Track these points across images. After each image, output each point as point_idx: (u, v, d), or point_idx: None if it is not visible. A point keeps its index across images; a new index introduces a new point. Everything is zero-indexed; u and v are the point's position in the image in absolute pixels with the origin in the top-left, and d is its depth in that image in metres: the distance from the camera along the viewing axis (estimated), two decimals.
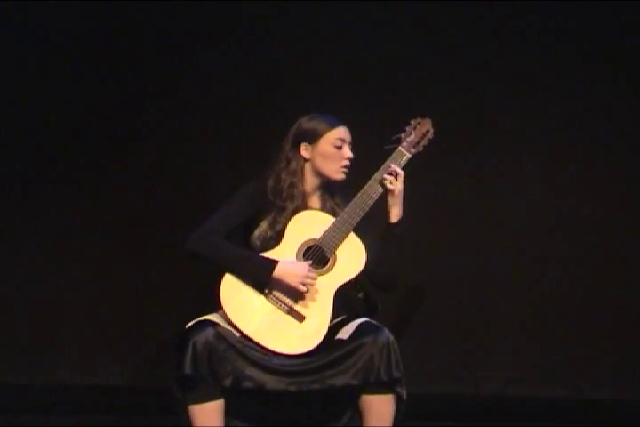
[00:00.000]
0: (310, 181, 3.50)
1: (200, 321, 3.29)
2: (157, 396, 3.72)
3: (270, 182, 3.46)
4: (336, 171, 3.46)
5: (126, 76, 4.86)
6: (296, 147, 3.47)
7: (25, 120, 4.87)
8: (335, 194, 3.53)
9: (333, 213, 3.46)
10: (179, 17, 4.83)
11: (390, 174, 3.40)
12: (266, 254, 3.35)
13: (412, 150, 3.46)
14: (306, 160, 3.47)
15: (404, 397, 3.28)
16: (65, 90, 4.87)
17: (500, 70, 4.73)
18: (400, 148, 3.45)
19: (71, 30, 4.86)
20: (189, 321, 3.32)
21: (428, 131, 3.49)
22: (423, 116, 3.52)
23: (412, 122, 3.51)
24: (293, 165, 3.46)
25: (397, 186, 3.40)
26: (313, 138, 3.45)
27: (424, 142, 3.48)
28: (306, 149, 3.46)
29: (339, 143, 3.44)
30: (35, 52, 4.87)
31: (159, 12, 4.82)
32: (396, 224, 3.43)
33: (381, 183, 3.40)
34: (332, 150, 3.44)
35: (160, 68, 4.85)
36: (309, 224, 3.40)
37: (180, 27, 4.84)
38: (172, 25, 4.84)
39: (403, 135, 3.47)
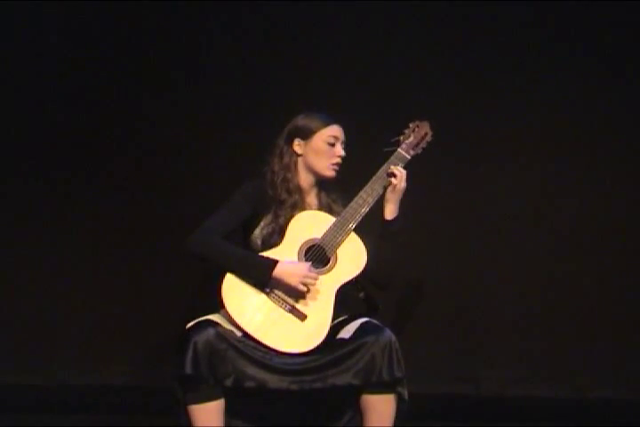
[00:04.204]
0: (305, 178, 3.54)
1: (201, 321, 3.30)
2: (157, 396, 3.72)
3: (267, 177, 3.51)
4: (326, 167, 3.50)
5: (125, 76, 4.85)
6: (290, 142, 3.52)
7: (24, 121, 4.87)
8: (331, 191, 3.57)
9: (330, 210, 3.50)
10: (178, 17, 4.83)
11: (394, 173, 3.44)
12: (266, 254, 3.36)
13: (411, 152, 3.51)
14: (298, 155, 3.52)
15: (406, 397, 3.30)
16: (64, 90, 4.87)
17: (499, 71, 4.73)
18: (399, 149, 3.49)
19: (71, 31, 4.85)
20: (189, 321, 3.33)
21: (426, 133, 3.54)
22: (422, 119, 3.55)
23: (411, 124, 3.55)
24: (286, 159, 3.51)
25: (400, 183, 3.43)
26: (307, 134, 3.50)
27: (423, 145, 3.53)
28: (299, 145, 3.51)
29: (332, 140, 3.49)
30: (35, 52, 4.86)
31: (158, 12, 4.82)
32: (392, 222, 3.47)
33: (387, 175, 3.44)
34: (324, 147, 3.49)
35: (160, 68, 4.85)
36: (310, 224, 3.42)
37: (179, 27, 4.84)
38: (171, 25, 4.84)
39: (402, 137, 3.52)
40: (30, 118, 4.87)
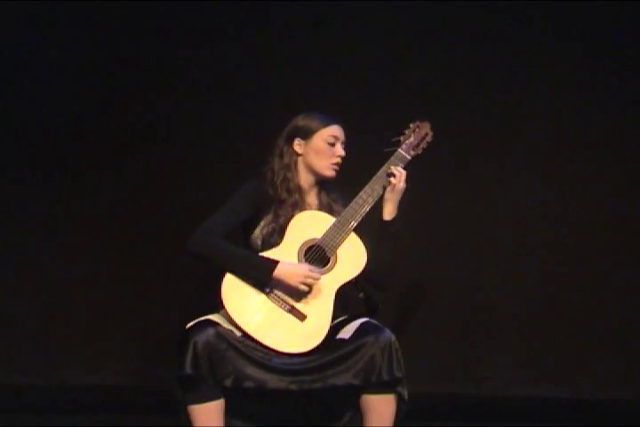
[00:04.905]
0: (305, 177, 3.53)
1: (201, 321, 3.29)
2: (157, 396, 3.71)
3: (267, 177, 3.51)
4: (326, 167, 3.50)
5: (126, 76, 4.86)
6: (290, 142, 3.52)
7: (25, 120, 4.87)
8: (331, 191, 3.57)
9: (330, 209, 3.50)
10: (177, 17, 4.83)
11: (393, 173, 3.45)
12: (266, 254, 3.36)
13: (412, 153, 3.51)
14: (298, 155, 3.52)
15: (406, 397, 3.29)
16: (65, 90, 4.87)
17: (499, 71, 4.73)
18: (400, 150, 3.49)
19: (71, 31, 4.86)
20: (189, 321, 3.32)
21: (427, 134, 3.54)
22: (422, 120, 3.56)
23: (412, 125, 3.56)
24: (287, 159, 3.51)
25: (399, 183, 3.44)
26: (307, 134, 3.50)
27: (423, 145, 3.53)
28: (299, 145, 3.51)
29: (332, 140, 3.49)
30: (35, 52, 4.87)
31: (158, 12, 4.82)
32: (390, 222, 3.47)
33: (387, 175, 3.44)
34: (324, 147, 3.49)
35: (160, 68, 4.85)
36: (310, 224, 3.41)
37: (179, 27, 4.84)
38: (171, 25, 4.85)
39: (402, 138, 3.52)
40: (31, 118, 4.87)
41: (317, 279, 3.33)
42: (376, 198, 3.43)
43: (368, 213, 3.41)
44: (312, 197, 3.56)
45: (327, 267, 3.37)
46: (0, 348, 4.80)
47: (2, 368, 4.79)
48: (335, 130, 3.51)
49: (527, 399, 4.64)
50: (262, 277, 3.31)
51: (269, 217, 3.45)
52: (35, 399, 4.64)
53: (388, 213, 3.46)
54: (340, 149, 3.51)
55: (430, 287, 4.71)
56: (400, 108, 4.51)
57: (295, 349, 3.28)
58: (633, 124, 4.70)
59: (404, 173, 3.45)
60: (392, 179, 3.44)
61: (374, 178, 3.44)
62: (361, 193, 3.43)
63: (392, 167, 3.46)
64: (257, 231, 3.46)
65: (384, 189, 3.44)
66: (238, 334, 3.28)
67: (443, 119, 3.72)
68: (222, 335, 3.22)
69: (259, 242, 3.45)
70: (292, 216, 3.43)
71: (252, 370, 3.21)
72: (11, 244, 4.87)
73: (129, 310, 4.80)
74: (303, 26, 4.79)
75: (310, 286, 3.33)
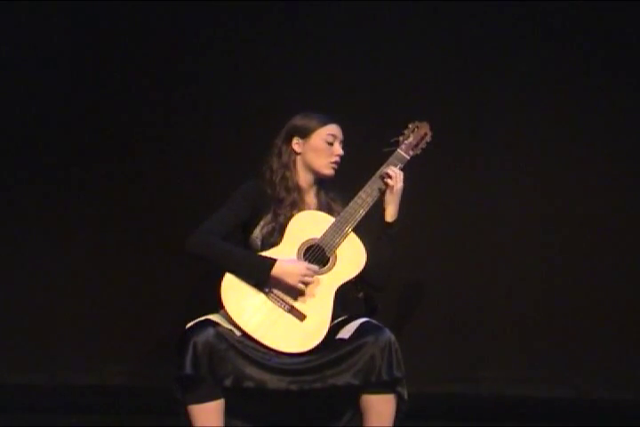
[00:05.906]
0: (303, 176, 3.54)
1: (200, 321, 3.29)
2: (157, 396, 3.71)
3: (265, 176, 3.52)
4: (325, 166, 3.51)
5: (126, 76, 4.86)
6: (288, 141, 3.53)
7: (25, 120, 4.88)
8: (330, 190, 3.58)
9: (329, 208, 3.51)
10: (177, 17, 4.83)
11: (389, 174, 3.44)
12: (266, 254, 3.37)
13: (411, 153, 3.51)
14: (297, 154, 3.53)
15: (405, 397, 3.29)
16: (65, 90, 4.87)
17: (499, 71, 4.73)
18: (399, 150, 3.49)
19: (71, 31, 4.86)
20: (189, 321, 3.33)
21: (426, 134, 3.55)
22: (421, 120, 3.56)
23: (411, 125, 3.56)
24: (285, 158, 3.52)
25: (397, 184, 3.43)
26: (305, 133, 3.51)
27: (422, 145, 3.53)
28: (298, 144, 3.52)
29: (330, 139, 3.50)
30: (35, 53, 4.87)
31: (158, 13, 4.82)
32: (392, 224, 3.47)
33: (382, 177, 3.44)
34: (323, 145, 3.50)
35: (160, 68, 4.86)
36: (309, 224, 3.42)
37: (179, 26, 4.84)
38: (170, 25, 4.85)
39: (401, 138, 3.52)
40: (30, 118, 4.87)
41: (318, 274, 3.33)
42: (375, 198, 3.43)
43: (367, 213, 3.41)
44: (311, 197, 3.56)
45: (327, 267, 3.38)
46: (0, 348, 4.80)
47: (2, 368, 4.79)
48: (333, 129, 3.52)
49: (527, 399, 4.63)
50: (261, 275, 3.32)
51: (269, 217, 3.46)
52: (35, 399, 4.64)
53: (390, 214, 3.47)
54: (338, 148, 3.52)
55: (430, 287, 4.71)
56: (400, 109, 4.51)
57: (295, 349, 3.28)
58: (635, 123, 4.70)
59: (399, 173, 3.46)
60: (388, 180, 3.44)
61: (373, 178, 3.45)
62: (360, 193, 3.43)
63: (391, 168, 3.46)
64: (256, 231, 3.46)
65: (382, 189, 3.44)
66: (238, 333, 3.28)
67: (442, 119, 3.73)
68: (222, 335, 3.22)
69: (258, 242, 3.46)
70: (292, 215, 3.44)
71: (251, 370, 3.21)
72: (11, 244, 4.87)
73: (129, 310, 4.80)
74: (303, 26, 4.79)
75: (309, 285, 3.33)
